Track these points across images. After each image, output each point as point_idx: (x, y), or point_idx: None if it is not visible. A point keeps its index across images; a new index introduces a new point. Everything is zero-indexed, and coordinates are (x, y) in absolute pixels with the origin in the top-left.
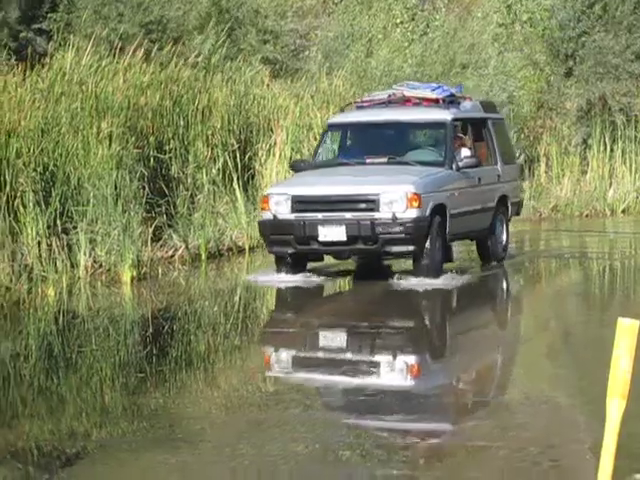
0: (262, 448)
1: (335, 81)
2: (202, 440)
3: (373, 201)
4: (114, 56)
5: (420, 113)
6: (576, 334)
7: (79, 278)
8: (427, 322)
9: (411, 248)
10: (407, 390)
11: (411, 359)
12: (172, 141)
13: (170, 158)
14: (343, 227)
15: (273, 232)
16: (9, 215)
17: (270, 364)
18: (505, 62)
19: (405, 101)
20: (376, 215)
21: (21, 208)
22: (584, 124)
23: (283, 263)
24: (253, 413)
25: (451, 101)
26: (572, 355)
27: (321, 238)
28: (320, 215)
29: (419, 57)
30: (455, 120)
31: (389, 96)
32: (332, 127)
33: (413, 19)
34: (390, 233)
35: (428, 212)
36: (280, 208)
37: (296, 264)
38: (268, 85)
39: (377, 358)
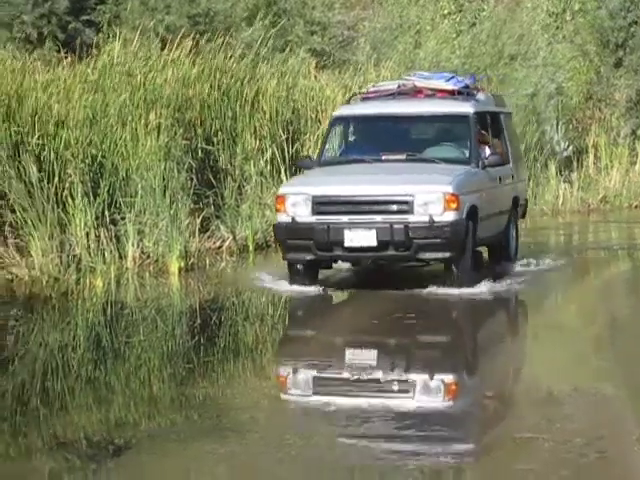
0: (310, 439)
1: (383, 72)
2: (250, 430)
3: (407, 202)
4: (162, 48)
5: (438, 105)
6: (625, 326)
7: (127, 269)
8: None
9: (447, 255)
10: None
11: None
12: (220, 132)
13: (218, 149)
14: (373, 231)
15: (291, 237)
16: (58, 206)
17: (319, 355)
18: (554, 53)
19: (416, 92)
20: (410, 218)
21: (69, 199)
22: (633, 115)
23: (297, 273)
24: (300, 403)
25: (465, 93)
26: (621, 347)
27: (347, 243)
28: (346, 218)
29: (467, 48)
30: (476, 113)
31: (398, 87)
32: (339, 120)
33: (461, 10)
34: (426, 238)
35: (465, 215)
36: (299, 210)
37: (309, 273)
38: (315, 76)
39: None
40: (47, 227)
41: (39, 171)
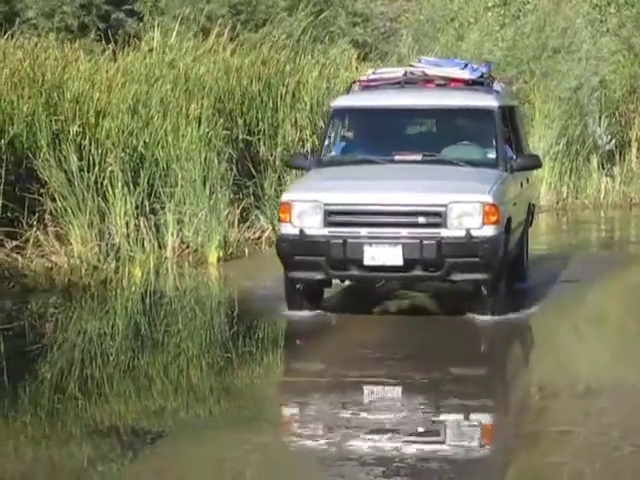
0: (344, 434)
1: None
2: (285, 422)
3: (439, 214)
4: (203, 38)
5: (456, 97)
6: None
7: (166, 258)
8: None
9: (485, 276)
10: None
11: None
12: (261, 123)
13: (258, 140)
14: (399, 247)
15: (298, 252)
16: (98, 195)
17: (352, 349)
18: (598, 46)
19: (426, 81)
20: (443, 233)
21: (110, 188)
22: None
23: (298, 296)
24: (337, 395)
25: (481, 82)
26: None
27: (367, 261)
28: (365, 231)
29: (510, 41)
30: (500, 108)
31: (405, 74)
32: (339, 113)
33: (505, 3)
34: (461, 257)
35: (504, 229)
36: (308, 220)
37: (311, 295)
38: (357, 68)
39: None
40: (87, 216)
41: (79, 160)
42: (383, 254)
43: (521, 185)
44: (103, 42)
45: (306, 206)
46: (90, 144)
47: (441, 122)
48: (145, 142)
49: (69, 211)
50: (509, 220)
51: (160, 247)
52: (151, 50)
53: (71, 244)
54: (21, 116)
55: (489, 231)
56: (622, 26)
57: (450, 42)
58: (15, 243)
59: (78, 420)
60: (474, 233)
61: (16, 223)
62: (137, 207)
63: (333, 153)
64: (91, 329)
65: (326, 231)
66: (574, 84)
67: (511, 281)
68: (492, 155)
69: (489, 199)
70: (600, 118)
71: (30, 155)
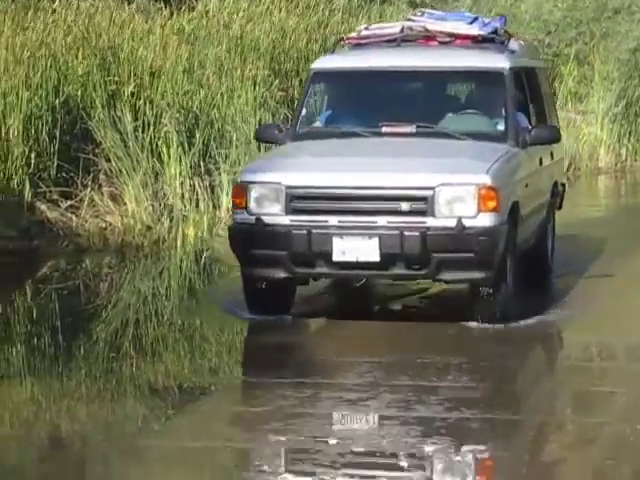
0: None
1: None
2: (323, 382)
3: (424, 199)
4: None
5: (460, 57)
6: None
7: (220, 219)
8: None
9: (482, 275)
10: None
11: None
12: None
13: None
14: (375, 240)
15: (255, 245)
16: (152, 156)
17: None
18: None
19: (427, 38)
20: (429, 222)
21: (164, 149)
22: None
23: (260, 297)
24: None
25: (492, 39)
26: None
27: (337, 257)
28: (335, 219)
29: (570, 1)
30: (512, 69)
31: (402, 30)
32: (320, 76)
33: None
34: (451, 251)
35: (506, 217)
36: (267, 206)
37: (278, 297)
38: None
39: None
40: (141, 176)
41: (134, 120)
42: (356, 248)
43: (540, 162)
44: (160, 2)
45: (265, 189)
46: (145, 105)
47: (441, 87)
48: (200, 103)
49: (123, 171)
50: (516, 206)
51: (214, 207)
52: (207, 11)
53: (125, 204)
54: (76, 76)
55: (486, 220)
56: None
57: (509, 2)
58: (70, 203)
59: (132, 378)
60: (467, 223)
61: (71, 183)
62: (191, 168)
63: (311, 124)
64: (144, 289)
65: (288, 219)
66: (633, 45)
67: (530, 276)
68: (501, 126)
69: (486, 180)
70: None
71: (85, 115)
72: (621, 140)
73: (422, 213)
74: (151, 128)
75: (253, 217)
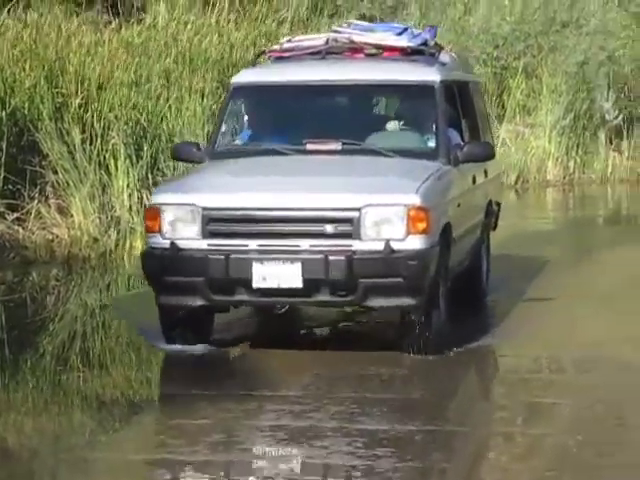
0: None
1: None
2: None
3: (349, 221)
4: (206, 11)
5: (388, 70)
6: None
7: None
8: None
9: (411, 302)
10: None
11: None
12: None
13: None
14: (298, 265)
15: (170, 272)
16: (100, 168)
17: None
18: (606, 21)
19: (353, 51)
20: (355, 245)
21: (112, 161)
22: None
23: (177, 325)
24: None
25: (422, 52)
26: None
27: (257, 283)
28: (254, 243)
29: (518, 15)
30: (443, 83)
31: (327, 42)
32: (241, 91)
33: None
34: (379, 277)
35: (437, 239)
36: (182, 230)
37: (199, 326)
38: None
39: None
40: (88, 188)
41: (82, 133)
42: (277, 273)
43: (473, 180)
44: (110, 14)
45: (179, 211)
46: (92, 117)
47: (368, 102)
48: (148, 115)
49: (71, 184)
50: (448, 227)
51: None
52: (155, 24)
53: (72, 216)
54: (23, 88)
55: (416, 243)
56: (632, 0)
57: (458, 16)
58: (16, 215)
59: (79, 391)
60: (396, 246)
61: (17, 195)
62: (139, 180)
63: (231, 142)
64: (91, 301)
65: (205, 244)
66: (581, 58)
67: (464, 302)
68: (431, 143)
69: (416, 200)
70: (608, 93)
71: (32, 127)
72: (569, 153)
73: (347, 236)
74: (99, 140)
75: (167, 241)
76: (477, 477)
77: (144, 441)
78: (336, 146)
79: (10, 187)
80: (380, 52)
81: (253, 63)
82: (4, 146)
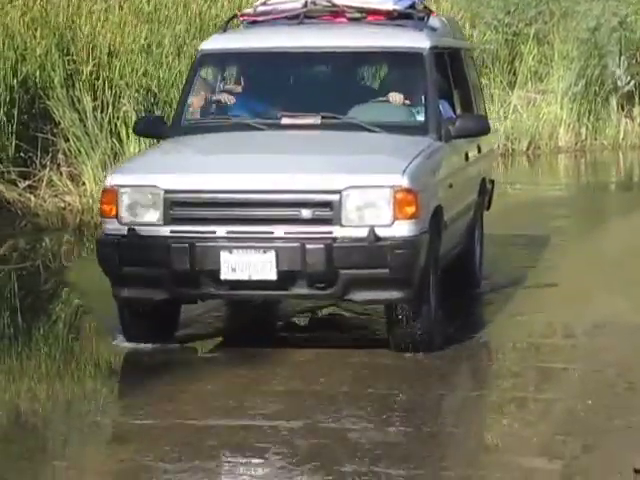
0: None
1: (443, 4)
2: None
3: (329, 204)
4: None
5: (373, 36)
6: None
7: None
8: None
9: (398, 295)
10: None
11: None
12: None
13: None
14: (271, 254)
15: (128, 261)
16: (111, 135)
17: None
18: None
19: (334, 14)
20: (336, 232)
21: (123, 129)
22: None
23: (137, 321)
24: None
25: (410, 16)
26: None
27: (225, 275)
28: (223, 230)
29: None
30: (433, 50)
31: (306, 5)
32: (210, 59)
33: None
34: (362, 267)
35: (427, 224)
36: (142, 214)
37: (162, 322)
38: None
39: None
40: (100, 156)
41: (93, 100)
42: (248, 264)
43: (466, 157)
44: None
45: (138, 194)
46: (104, 84)
47: (351, 71)
48: (159, 83)
49: (82, 151)
50: (439, 210)
51: None
52: None
53: (84, 184)
54: (34, 56)
55: (403, 229)
56: None
57: None
58: (28, 183)
59: (91, 358)
60: (381, 233)
61: (29, 163)
62: (150, 147)
63: (197, 116)
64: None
65: (167, 230)
66: (593, 24)
67: (456, 291)
68: (420, 117)
69: (403, 181)
70: (620, 59)
71: (43, 95)
72: (581, 119)
73: (327, 222)
74: (110, 108)
75: (125, 228)
76: (486, 442)
77: (155, 407)
78: (314, 120)
79: (22, 155)
80: (363, 16)
81: (224, 28)
82: (16, 114)
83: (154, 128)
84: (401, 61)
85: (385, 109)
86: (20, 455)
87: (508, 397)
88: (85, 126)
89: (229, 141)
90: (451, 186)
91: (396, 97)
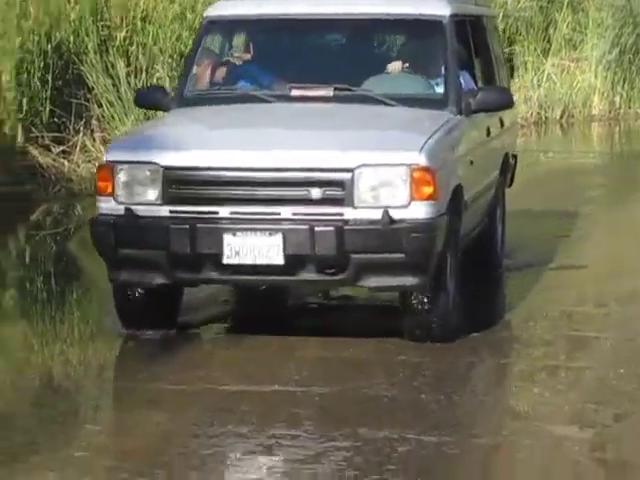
0: None
1: None
2: None
3: (340, 184)
4: None
5: (390, 3)
6: None
7: None
8: None
9: (414, 281)
10: None
11: None
12: None
13: None
14: (278, 237)
15: (125, 243)
16: None
17: None
18: None
19: None
20: (347, 214)
21: None
22: None
23: (135, 309)
24: None
25: None
26: None
27: (228, 259)
28: (226, 210)
29: None
30: (454, 18)
31: None
32: (216, 26)
33: None
34: (376, 252)
35: (446, 206)
36: (139, 193)
37: (159, 308)
38: None
39: None
40: (133, 122)
41: (126, 66)
42: (253, 247)
43: (487, 132)
44: None
45: (136, 171)
46: (137, 50)
47: (366, 40)
48: None
49: (115, 117)
50: (459, 190)
51: None
52: None
53: None
54: (68, 21)
55: (420, 211)
56: None
57: None
58: (62, 148)
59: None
60: (396, 215)
61: (63, 128)
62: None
63: (202, 87)
64: None
65: (167, 210)
66: None
67: (476, 274)
68: (439, 89)
69: (420, 159)
70: None
71: (77, 61)
72: (615, 87)
73: (338, 202)
74: (143, 74)
75: (121, 207)
76: (517, 409)
77: (186, 373)
78: (327, 92)
79: (56, 120)
80: None
81: None
82: (50, 79)
83: (155, 100)
84: (420, 29)
85: (402, 80)
86: (53, 419)
87: (539, 365)
88: (118, 92)
89: (234, 114)
90: (472, 163)
91: (395, 65)
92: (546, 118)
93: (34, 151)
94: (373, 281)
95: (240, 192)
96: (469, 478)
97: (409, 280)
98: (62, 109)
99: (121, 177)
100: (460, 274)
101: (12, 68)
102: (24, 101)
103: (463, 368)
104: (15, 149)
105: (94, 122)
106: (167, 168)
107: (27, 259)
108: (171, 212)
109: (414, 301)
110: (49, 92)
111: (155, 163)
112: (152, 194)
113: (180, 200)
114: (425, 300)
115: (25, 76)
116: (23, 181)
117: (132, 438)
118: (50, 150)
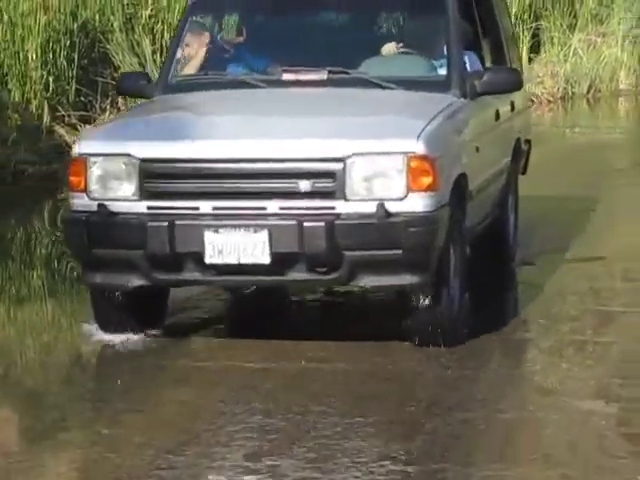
0: None
1: None
2: None
3: (332, 175)
4: None
5: None
6: None
7: None
8: None
9: (414, 279)
10: None
11: None
12: None
13: None
14: (263, 234)
15: (97, 243)
16: None
17: None
18: None
19: None
20: (339, 207)
21: None
22: None
23: (111, 309)
24: None
25: None
26: None
27: (210, 258)
28: (208, 206)
29: None
30: None
31: None
32: (201, 6)
33: None
34: (371, 248)
35: (448, 198)
36: (113, 188)
37: (141, 310)
38: None
39: None
40: None
41: (152, 44)
42: (237, 245)
43: (496, 116)
44: None
45: (110, 164)
46: (163, 28)
47: (362, 18)
48: None
49: None
50: (462, 179)
51: None
52: None
53: None
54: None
55: (418, 204)
56: None
57: None
58: (88, 127)
59: None
60: (392, 208)
61: (89, 107)
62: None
63: (187, 71)
64: None
65: (144, 206)
66: None
67: (489, 266)
68: (442, 70)
69: (418, 147)
70: None
71: (103, 39)
72: None
73: (329, 195)
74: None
75: (95, 203)
76: (543, 385)
77: (212, 351)
78: (320, 75)
79: (82, 99)
80: None
81: None
82: (76, 58)
83: (138, 86)
84: (420, 5)
85: (401, 62)
86: (81, 396)
87: (566, 340)
88: (144, 70)
89: (219, 101)
90: (478, 150)
91: (389, 47)
92: (573, 93)
93: (60, 130)
94: (368, 280)
95: (222, 185)
96: (496, 453)
97: (407, 278)
98: (88, 88)
99: (94, 171)
100: (468, 269)
101: (38, 47)
102: (50, 80)
103: (489, 343)
104: (42, 128)
105: (120, 100)
106: (144, 160)
107: (53, 237)
108: (148, 208)
109: (414, 301)
110: (75, 71)
111: (131, 155)
112: (128, 189)
113: (158, 195)
114: (426, 300)
115: (51, 55)
116: (50, 160)
117: (158, 417)
118: (77, 129)
